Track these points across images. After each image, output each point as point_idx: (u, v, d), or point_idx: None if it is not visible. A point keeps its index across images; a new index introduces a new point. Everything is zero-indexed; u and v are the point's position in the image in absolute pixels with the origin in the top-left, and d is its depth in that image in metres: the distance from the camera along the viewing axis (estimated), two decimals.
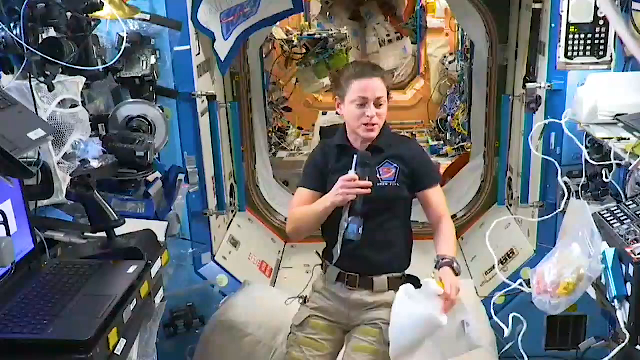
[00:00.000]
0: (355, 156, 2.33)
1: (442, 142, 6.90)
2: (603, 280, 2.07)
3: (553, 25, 3.00)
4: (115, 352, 1.68)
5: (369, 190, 2.28)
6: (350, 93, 2.38)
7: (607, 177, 2.62)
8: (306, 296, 2.61)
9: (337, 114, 2.53)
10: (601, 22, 2.87)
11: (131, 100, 2.82)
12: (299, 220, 2.47)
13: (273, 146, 6.26)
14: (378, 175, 2.42)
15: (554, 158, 3.04)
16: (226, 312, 3.26)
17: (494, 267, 3.69)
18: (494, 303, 2.90)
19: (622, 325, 1.95)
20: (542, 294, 2.23)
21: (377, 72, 2.42)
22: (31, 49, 2.01)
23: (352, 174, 2.29)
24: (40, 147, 1.95)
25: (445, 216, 2.48)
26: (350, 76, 2.41)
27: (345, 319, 2.50)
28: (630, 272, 1.91)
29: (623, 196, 2.51)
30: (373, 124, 2.37)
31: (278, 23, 4.97)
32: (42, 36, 2.14)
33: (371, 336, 2.40)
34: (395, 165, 2.44)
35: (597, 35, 2.89)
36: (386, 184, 2.42)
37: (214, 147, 3.42)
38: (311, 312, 2.52)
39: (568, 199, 2.83)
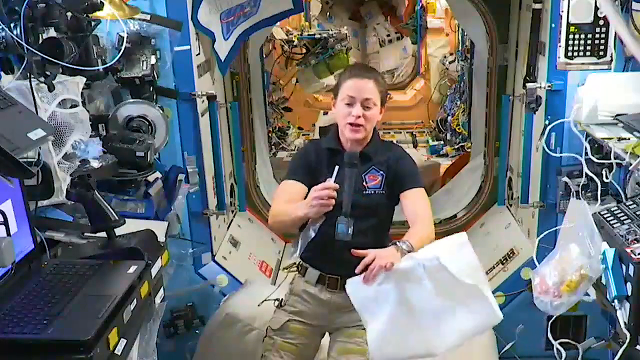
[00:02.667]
0: (337, 166, 2.27)
1: (442, 142, 6.89)
2: (603, 280, 2.07)
3: (553, 25, 3.00)
4: (115, 352, 1.68)
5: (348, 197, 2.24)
6: (341, 91, 2.39)
7: (607, 177, 2.62)
8: (281, 299, 2.59)
9: (327, 113, 2.52)
10: (601, 22, 2.87)
11: (131, 100, 2.82)
12: (278, 216, 2.42)
13: (273, 146, 6.26)
14: (364, 183, 2.41)
15: (554, 158, 3.05)
16: (231, 308, 3.26)
17: (494, 267, 3.70)
18: None
19: (622, 325, 1.96)
20: (543, 295, 2.23)
21: (370, 74, 2.42)
22: (31, 49, 2.01)
23: (330, 182, 2.22)
24: (40, 147, 1.95)
25: (422, 219, 2.35)
26: (344, 76, 2.43)
27: (325, 321, 2.50)
28: (630, 272, 1.91)
29: (623, 196, 2.51)
30: (358, 125, 2.36)
31: (278, 23, 4.96)
32: (42, 36, 2.14)
33: (358, 337, 2.39)
34: (381, 172, 2.44)
35: (597, 35, 2.89)
36: (372, 192, 2.42)
37: (214, 147, 3.42)
38: (290, 316, 2.50)
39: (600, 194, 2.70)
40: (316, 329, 2.52)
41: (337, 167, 2.26)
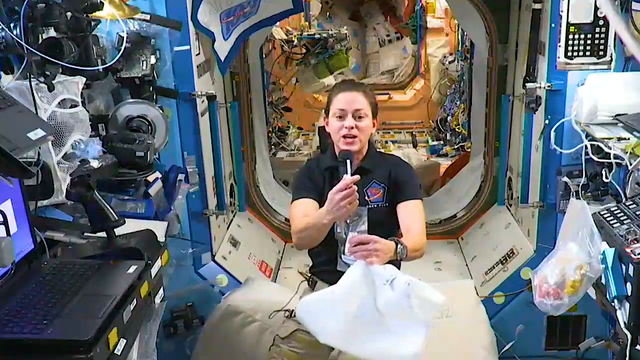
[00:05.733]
0: (348, 162, 2.28)
1: (442, 142, 6.89)
2: (603, 280, 2.07)
3: (553, 25, 3.00)
4: (115, 352, 1.68)
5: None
6: (332, 107, 2.44)
7: (607, 177, 2.62)
8: (292, 310, 2.58)
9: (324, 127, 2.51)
10: (601, 22, 2.87)
11: (131, 100, 2.82)
12: (303, 231, 2.38)
13: (273, 146, 6.26)
14: (366, 197, 2.42)
15: (554, 158, 3.05)
16: (233, 300, 3.27)
17: (494, 267, 3.70)
18: (494, 303, 2.90)
19: (622, 325, 1.96)
20: (544, 297, 2.23)
21: (358, 87, 2.47)
22: (31, 49, 2.01)
23: (348, 178, 2.20)
24: (40, 147, 1.95)
25: (415, 233, 2.35)
26: (333, 92, 2.47)
27: None
28: (630, 272, 1.91)
29: (623, 196, 2.51)
30: (352, 136, 2.37)
31: (278, 23, 4.96)
32: (42, 36, 2.13)
33: None
34: (382, 185, 2.45)
35: (597, 35, 2.89)
36: (375, 206, 2.43)
37: (214, 147, 3.42)
38: (299, 326, 2.49)
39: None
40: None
41: (348, 162, 2.27)
